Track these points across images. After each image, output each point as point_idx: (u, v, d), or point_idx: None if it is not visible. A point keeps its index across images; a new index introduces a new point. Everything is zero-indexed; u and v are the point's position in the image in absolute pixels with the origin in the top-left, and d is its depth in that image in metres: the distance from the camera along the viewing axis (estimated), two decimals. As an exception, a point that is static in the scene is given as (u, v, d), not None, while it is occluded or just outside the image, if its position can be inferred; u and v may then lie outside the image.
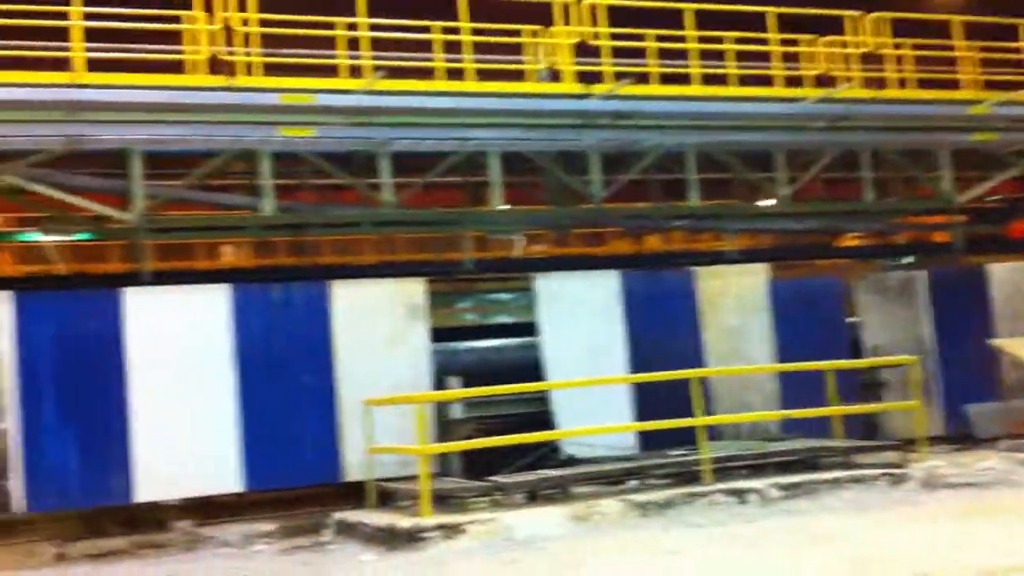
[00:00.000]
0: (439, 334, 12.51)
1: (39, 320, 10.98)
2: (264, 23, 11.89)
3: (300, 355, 11.86)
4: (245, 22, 11.81)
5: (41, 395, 10.87)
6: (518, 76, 13.35)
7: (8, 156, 11.25)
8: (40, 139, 11.04)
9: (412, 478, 10.44)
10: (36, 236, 15.96)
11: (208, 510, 11.57)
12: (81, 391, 11.01)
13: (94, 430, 10.98)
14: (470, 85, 12.68)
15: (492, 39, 13.11)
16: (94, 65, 11.24)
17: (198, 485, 11.29)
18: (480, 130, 12.79)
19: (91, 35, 11.33)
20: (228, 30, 11.88)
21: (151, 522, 11.25)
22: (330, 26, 12.12)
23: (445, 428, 11.92)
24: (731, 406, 12.90)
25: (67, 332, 11.06)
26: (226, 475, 11.34)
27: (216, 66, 11.82)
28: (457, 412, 12.07)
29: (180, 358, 11.32)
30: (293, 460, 11.62)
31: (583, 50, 13.27)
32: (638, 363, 12.88)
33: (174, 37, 11.88)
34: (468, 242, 14.05)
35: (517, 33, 13.30)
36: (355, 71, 12.35)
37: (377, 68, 12.00)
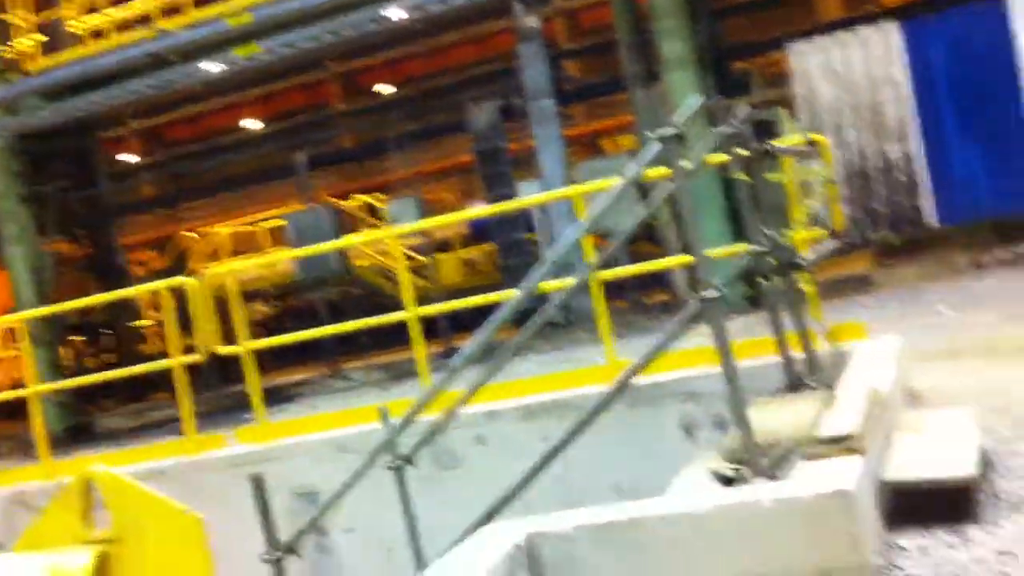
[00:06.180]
0: None
1: (926, 44, 11.30)
2: None
3: None
4: None
5: (938, 115, 11.28)
6: None
7: None
8: None
9: None
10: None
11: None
12: (975, 105, 11.16)
13: (994, 141, 11.12)
14: None
15: None
16: None
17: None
18: None
19: None
20: None
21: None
22: None
23: None
24: None
25: (954, 51, 11.23)
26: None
27: None
28: None
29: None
30: None
31: None
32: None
33: None
34: None
35: None
36: None
37: None
